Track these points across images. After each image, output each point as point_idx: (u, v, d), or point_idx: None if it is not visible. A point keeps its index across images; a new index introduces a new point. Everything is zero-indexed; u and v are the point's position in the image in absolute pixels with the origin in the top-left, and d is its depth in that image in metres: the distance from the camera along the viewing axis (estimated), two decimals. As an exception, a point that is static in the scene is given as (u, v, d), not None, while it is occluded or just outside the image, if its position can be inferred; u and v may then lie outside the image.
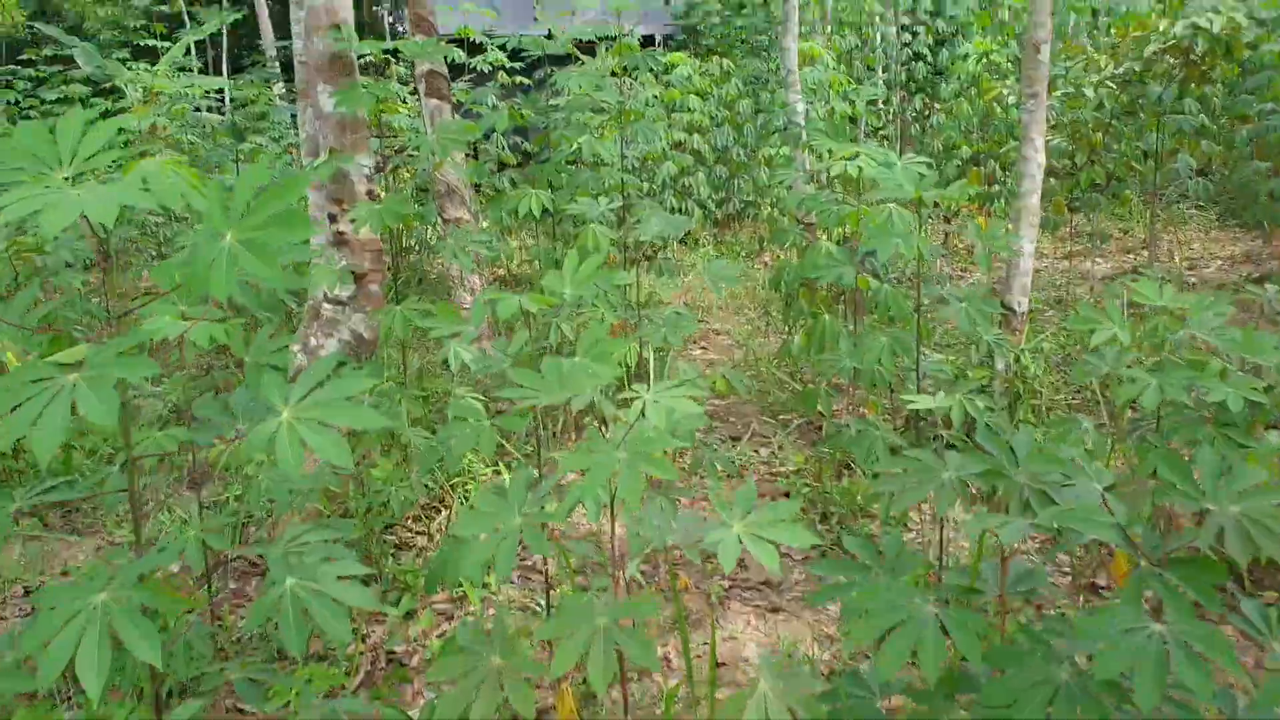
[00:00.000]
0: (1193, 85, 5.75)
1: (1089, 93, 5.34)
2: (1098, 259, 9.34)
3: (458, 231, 4.17)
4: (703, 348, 7.38)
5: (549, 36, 11.05)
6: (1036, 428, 4.82)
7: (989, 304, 3.40)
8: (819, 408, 4.34)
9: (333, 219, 4.21)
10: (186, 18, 19.73)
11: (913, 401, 2.96)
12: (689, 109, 9.78)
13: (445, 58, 10.98)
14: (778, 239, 5.64)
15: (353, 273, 4.24)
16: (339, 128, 4.12)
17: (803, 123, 7.49)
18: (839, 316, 4.81)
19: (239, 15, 12.29)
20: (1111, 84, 5.43)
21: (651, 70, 10.63)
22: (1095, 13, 9.48)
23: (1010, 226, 4.72)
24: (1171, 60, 5.33)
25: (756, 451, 5.25)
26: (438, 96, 6.48)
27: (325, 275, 4.07)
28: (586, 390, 1.82)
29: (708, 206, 10.70)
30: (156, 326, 2.63)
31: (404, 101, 9.26)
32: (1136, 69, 5.37)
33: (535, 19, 12.33)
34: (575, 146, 4.96)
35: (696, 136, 9.86)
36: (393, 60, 9.25)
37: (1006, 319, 4.73)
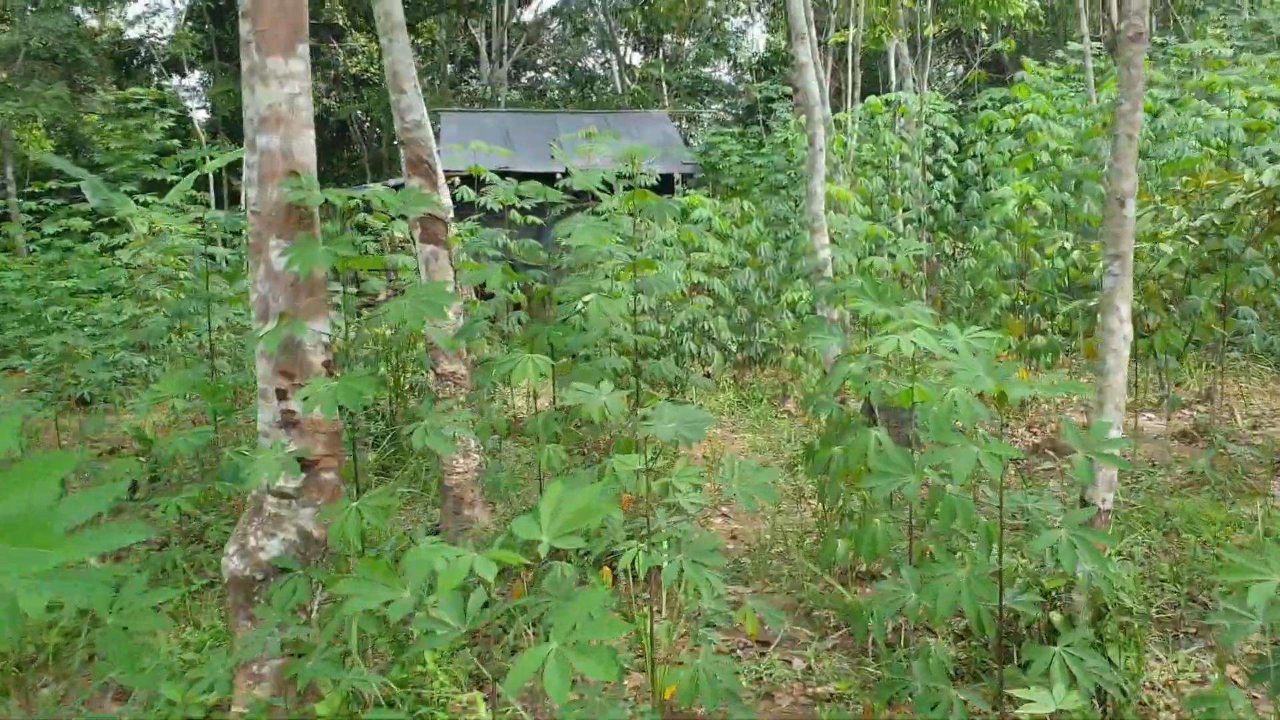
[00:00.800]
0: (1273, 237, 5.08)
1: (1166, 248, 4.67)
2: (1149, 415, 8.53)
3: (434, 411, 3.44)
4: (724, 514, 6.56)
5: (565, 174, 10.71)
6: (1125, 646, 3.95)
7: (1097, 534, 2.61)
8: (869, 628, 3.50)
9: (281, 395, 3.50)
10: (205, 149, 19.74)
11: (1030, 702, 2.15)
12: (706, 249, 9.22)
13: (455, 197, 10.55)
14: (812, 407, 4.90)
15: (302, 460, 3.50)
16: (292, 289, 3.44)
17: (829, 273, 6.85)
18: (888, 509, 4.01)
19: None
20: (1193, 238, 4.77)
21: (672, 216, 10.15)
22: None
23: (1091, 404, 3.96)
24: (1256, 212, 4.68)
25: (789, 663, 4.38)
26: (433, 242, 5.88)
27: (268, 463, 3.33)
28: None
29: (728, 349, 10.02)
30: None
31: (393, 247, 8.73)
32: (1216, 221, 4.71)
33: (552, 156, 11.98)
34: (581, 306, 4.29)
35: (716, 280, 9.26)
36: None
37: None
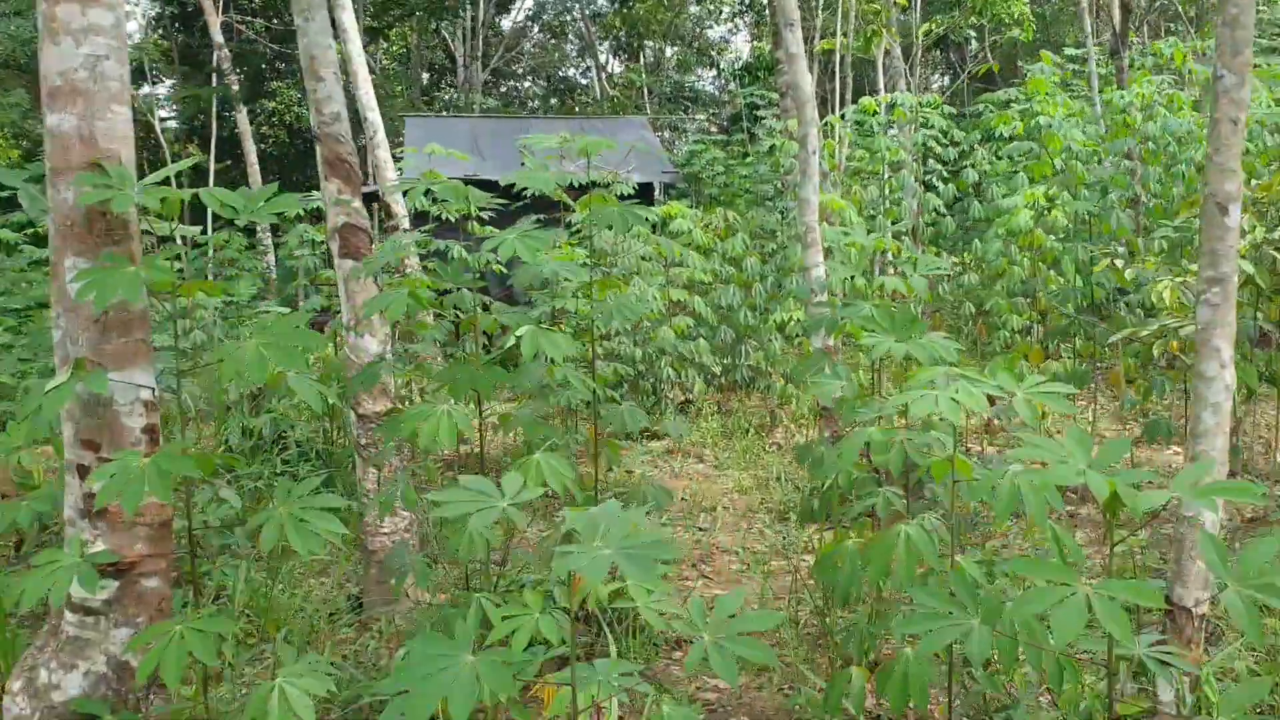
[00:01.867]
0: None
1: (1247, 266, 3.73)
2: (1175, 449, 7.57)
3: (292, 494, 2.44)
4: (705, 576, 5.56)
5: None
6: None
7: (1251, 687, 1.64)
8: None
9: (83, 472, 2.49)
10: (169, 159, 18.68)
11: None
12: (686, 265, 8.26)
13: (411, 207, 9.55)
14: (807, 465, 3.96)
15: (114, 563, 2.49)
16: (97, 327, 2.45)
17: (825, 296, 5.89)
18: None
19: (197, 160, 10.98)
20: (1272, 250, 3.84)
21: (650, 223, 9.20)
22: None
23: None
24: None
25: (781, 796, 3.40)
26: (355, 256, 4.88)
27: (60, 571, 2.32)
28: None
29: (712, 373, 9.04)
30: None
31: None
32: (1296, 233, 3.81)
33: (522, 163, 11.03)
34: (513, 340, 3.31)
35: (697, 298, 8.28)
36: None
37: (1174, 621, 2.95)
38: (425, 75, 27.25)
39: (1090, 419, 7.03)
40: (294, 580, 5.08)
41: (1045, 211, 6.87)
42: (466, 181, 11.64)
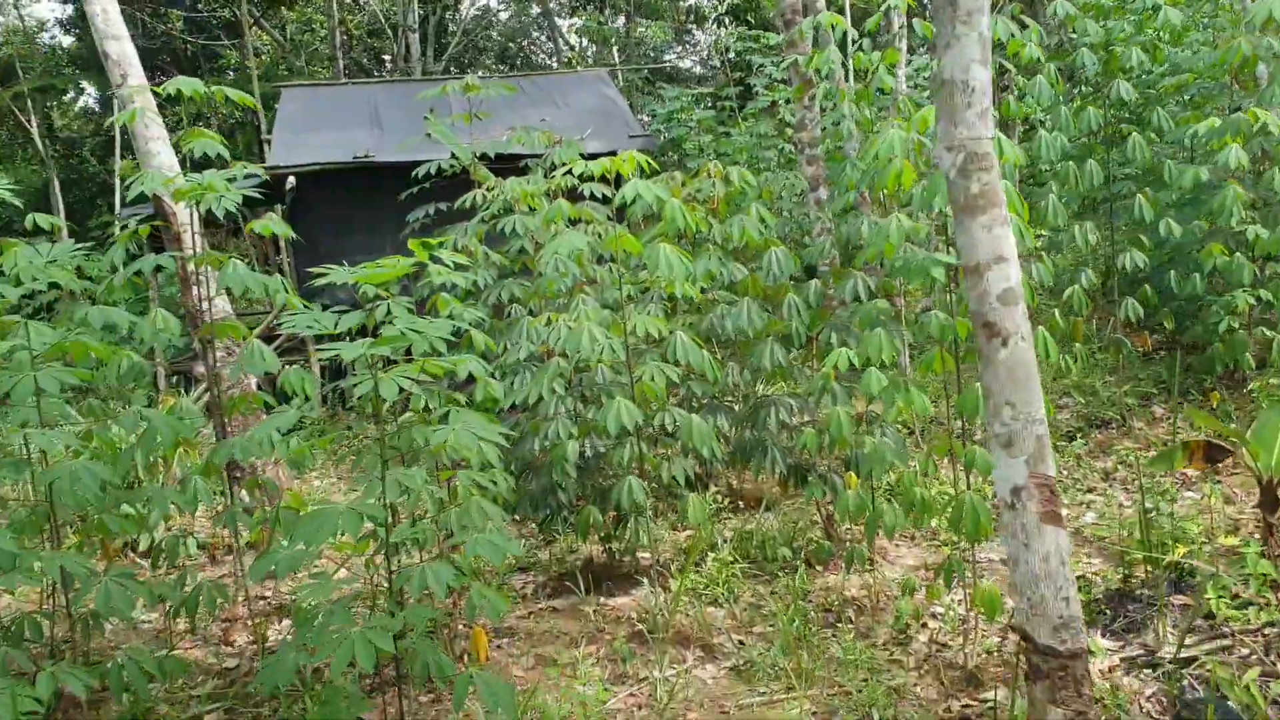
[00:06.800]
0: None
1: None
2: None
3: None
4: None
5: (453, 158, 6.09)
6: None
7: None
8: None
9: None
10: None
11: None
12: (657, 270, 4.11)
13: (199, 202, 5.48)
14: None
15: None
16: None
17: (1026, 337, 1.83)
18: None
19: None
20: None
21: (606, 199, 5.14)
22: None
23: None
24: None
25: None
26: None
27: None
28: None
29: (714, 459, 4.88)
30: None
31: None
32: None
33: (428, 134, 6.94)
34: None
35: (681, 332, 4.12)
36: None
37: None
38: (386, 62, 23.17)
39: None
40: None
41: None
42: (358, 166, 7.51)
